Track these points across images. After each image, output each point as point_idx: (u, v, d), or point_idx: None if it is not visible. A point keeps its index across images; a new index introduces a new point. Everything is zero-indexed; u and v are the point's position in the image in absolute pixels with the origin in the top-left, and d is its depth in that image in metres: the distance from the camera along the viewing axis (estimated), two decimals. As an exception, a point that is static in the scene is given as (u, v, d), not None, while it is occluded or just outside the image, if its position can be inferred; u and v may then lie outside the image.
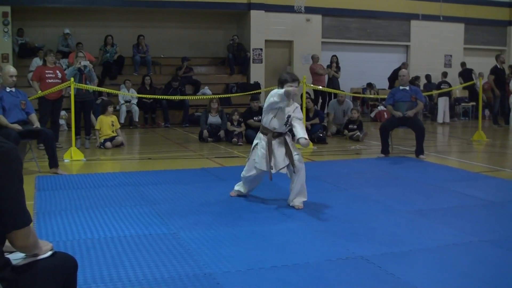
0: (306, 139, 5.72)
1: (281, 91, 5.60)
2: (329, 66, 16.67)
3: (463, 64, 18.66)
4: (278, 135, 5.86)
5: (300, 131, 5.77)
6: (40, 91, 9.89)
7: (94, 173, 7.87)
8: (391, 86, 16.38)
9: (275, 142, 5.83)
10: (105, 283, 3.66)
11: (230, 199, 6.21)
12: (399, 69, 15.93)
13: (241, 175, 6.18)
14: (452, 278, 3.79)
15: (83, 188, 6.79)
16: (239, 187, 6.29)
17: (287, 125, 5.88)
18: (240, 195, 6.28)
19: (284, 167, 5.85)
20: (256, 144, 5.96)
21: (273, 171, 5.80)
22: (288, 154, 5.81)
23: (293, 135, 5.99)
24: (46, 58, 10.43)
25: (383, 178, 7.71)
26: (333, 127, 12.98)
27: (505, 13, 21.18)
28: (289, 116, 5.81)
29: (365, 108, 18.77)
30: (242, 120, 11.57)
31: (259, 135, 5.98)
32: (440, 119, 16.73)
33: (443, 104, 16.80)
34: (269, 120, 5.86)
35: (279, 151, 5.82)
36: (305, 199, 5.84)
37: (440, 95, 16.67)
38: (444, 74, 18.21)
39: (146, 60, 16.70)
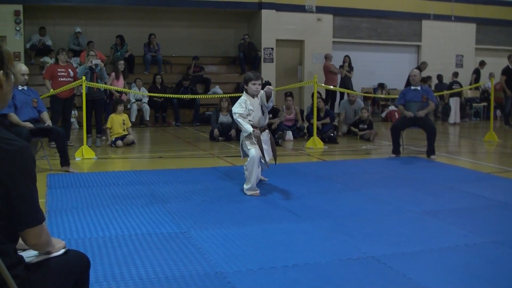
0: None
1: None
2: (341, 66, 16.66)
3: (481, 63, 18.45)
4: (264, 128, 6.62)
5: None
6: (52, 90, 9.93)
7: (105, 172, 7.91)
8: (408, 84, 16.22)
9: (261, 137, 6.44)
10: (117, 281, 3.68)
11: (240, 199, 6.22)
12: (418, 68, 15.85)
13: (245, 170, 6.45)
14: (462, 279, 3.78)
15: (95, 186, 6.82)
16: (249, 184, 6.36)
17: (265, 114, 6.56)
18: (255, 191, 6.35)
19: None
20: (242, 141, 6.54)
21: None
22: (272, 148, 6.68)
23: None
24: (58, 56, 10.46)
25: (394, 178, 7.69)
26: (344, 127, 12.96)
27: (517, 13, 21.03)
28: (262, 105, 6.50)
29: (376, 108, 18.71)
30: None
31: (244, 134, 6.44)
32: (452, 119, 16.64)
33: (454, 104, 16.71)
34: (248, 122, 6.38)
35: (266, 145, 6.56)
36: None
37: (452, 95, 16.58)
38: (456, 74, 18.09)
39: (157, 59, 16.75)
